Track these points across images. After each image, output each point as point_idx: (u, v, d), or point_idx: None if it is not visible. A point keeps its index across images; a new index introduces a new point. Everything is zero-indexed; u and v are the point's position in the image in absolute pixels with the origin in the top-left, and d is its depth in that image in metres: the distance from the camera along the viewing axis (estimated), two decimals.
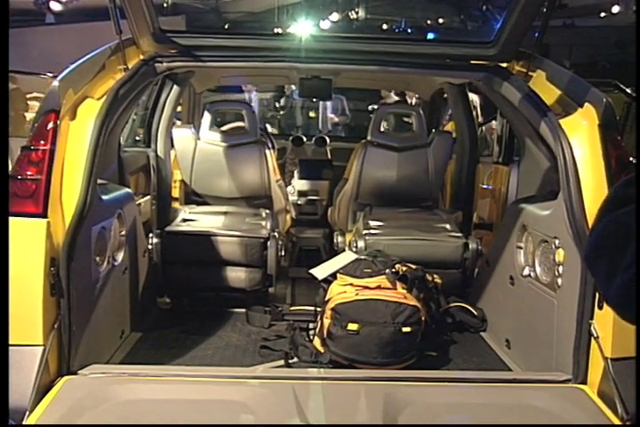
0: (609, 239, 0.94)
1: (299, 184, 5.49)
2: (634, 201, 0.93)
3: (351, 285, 3.17)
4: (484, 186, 4.47)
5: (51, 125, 2.61)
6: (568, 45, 14.42)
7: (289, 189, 5.32)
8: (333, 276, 3.34)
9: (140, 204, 3.87)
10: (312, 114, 8.64)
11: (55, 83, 2.67)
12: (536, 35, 3.28)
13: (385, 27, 14.77)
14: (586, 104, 2.85)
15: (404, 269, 3.27)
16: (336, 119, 8.53)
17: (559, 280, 2.81)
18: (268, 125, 8.14)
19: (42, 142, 2.59)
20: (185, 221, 4.08)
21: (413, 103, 7.33)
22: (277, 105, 8.67)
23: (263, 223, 4.10)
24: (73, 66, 2.84)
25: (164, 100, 4.45)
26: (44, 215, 2.51)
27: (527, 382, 2.69)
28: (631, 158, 2.76)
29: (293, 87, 7.98)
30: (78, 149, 2.67)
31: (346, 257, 3.46)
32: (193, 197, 4.61)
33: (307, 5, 12.53)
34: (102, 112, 2.76)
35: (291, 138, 5.83)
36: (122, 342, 3.24)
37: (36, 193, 2.52)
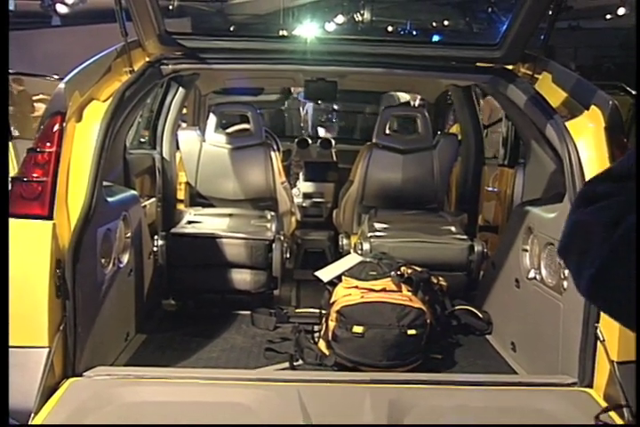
0: (575, 237, 1.01)
1: (304, 186, 5.49)
2: (598, 200, 0.99)
3: (356, 287, 3.17)
4: (490, 188, 4.46)
5: (57, 127, 2.62)
6: (573, 47, 14.42)
7: (294, 191, 5.32)
8: (338, 278, 3.33)
9: (145, 206, 3.87)
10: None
11: (61, 85, 2.67)
12: (542, 37, 3.28)
13: (390, 29, 14.78)
14: (592, 106, 2.84)
15: (410, 271, 3.26)
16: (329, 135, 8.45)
17: (565, 283, 2.80)
18: (323, 129, 8.11)
19: (48, 144, 2.60)
20: (190, 223, 4.08)
21: (416, 105, 7.31)
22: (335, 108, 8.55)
23: (268, 225, 4.10)
24: (79, 68, 2.85)
25: (169, 103, 4.45)
26: (50, 217, 2.51)
27: (533, 386, 2.68)
28: None
29: (300, 89, 7.97)
30: (84, 151, 2.68)
31: (351, 259, 3.46)
32: (198, 199, 4.62)
33: (312, 8, 12.55)
34: (108, 114, 2.77)
35: (296, 140, 5.83)
36: (127, 345, 3.24)
37: (42, 195, 2.53)
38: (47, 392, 2.39)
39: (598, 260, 0.93)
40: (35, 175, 2.56)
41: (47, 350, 2.45)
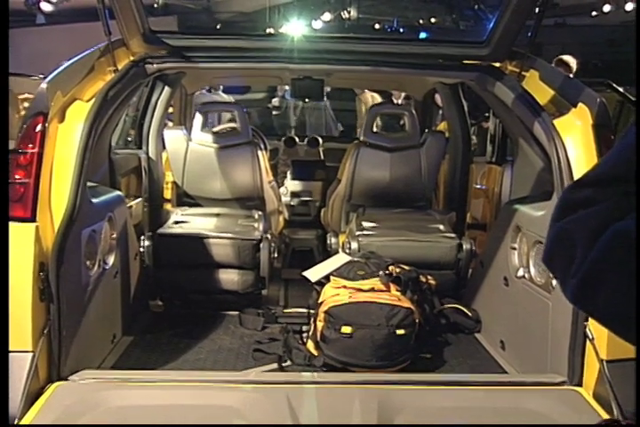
0: (559, 246, 1.02)
1: (291, 185, 5.46)
2: (580, 207, 0.99)
3: (344, 287, 3.15)
4: (478, 186, 4.45)
5: (39, 128, 2.58)
6: (560, 44, 14.44)
7: (282, 190, 5.29)
8: (326, 278, 3.31)
9: (131, 206, 3.83)
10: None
11: (43, 85, 2.63)
12: (529, 34, 3.27)
13: (377, 27, 14.76)
14: (579, 104, 2.83)
15: (398, 270, 3.25)
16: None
17: (554, 282, 2.79)
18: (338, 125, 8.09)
19: (30, 145, 2.56)
20: (177, 223, 4.05)
21: (399, 104, 7.28)
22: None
23: (256, 225, 4.08)
24: (61, 68, 2.81)
25: (155, 102, 4.40)
26: (33, 219, 2.48)
27: (522, 385, 2.68)
28: None
29: (287, 88, 7.94)
30: (67, 152, 2.64)
31: (339, 259, 3.43)
32: (185, 199, 4.58)
33: (298, 5, 12.50)
34: (91, 114, 2.73)
35: (283, 139, 5.80)
36: (113, 347, 3.21)
37: (25, 197, 2.49)
38: (31, 397, 2.36)
39: (583, 268, 0.93)
40: (17, 177, 2.52)
41: (31, 354, 2.41)
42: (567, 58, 6.48)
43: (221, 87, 7.75)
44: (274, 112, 8.67)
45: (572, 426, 2.36)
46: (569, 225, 0.99)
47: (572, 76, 6.25)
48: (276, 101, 8.67)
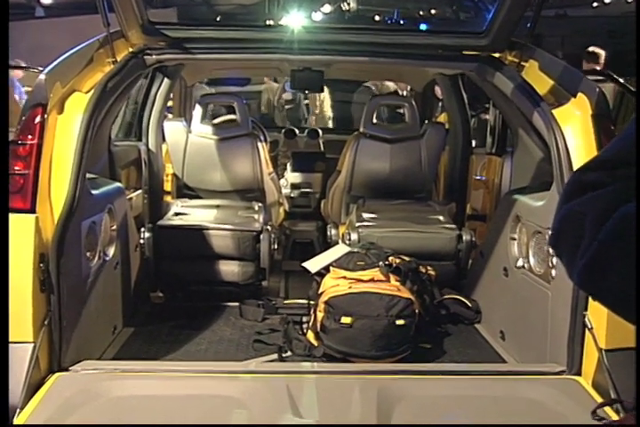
0: (566, 228, 1.01)
1: (291, 177, 5.46)
2: (588, 189, 0.98)
3: (344, 278, 3.16)
4: (478, 177, 4.45)
5: (38, 119, 2.58)
6: (560, 36, 14.39)
7: (282, 181, 5.29)
8: (326, 269, 3.32)
9: (131, 198, 3.83)
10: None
11: (42, 76, 2.63)
12: (528, 25, 3.26)
13: (377, 18, 14.71)
14: (579, 94, 2.83)
15: (398, 261, 3.25)
16: None
17: (553, 272, 2.79)
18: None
19: (29, 137, 2.56)
20: (177, 214, 4.05)
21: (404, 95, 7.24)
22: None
23: (256, 216, 4.08)
24: (60, 59, 2.80)
25: (154, 94, 4.40)
26: (33, 211, 2.48)
27: (522, 374, 2.69)
28: None
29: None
30: (66, 144, 2.64)
31: (339, 250, 3.44)
32: (185, 191, 4.58)
33: None
34: (90, 106, 2.73)
35: (283, 130, 5.80)
36: (114, 338, 3.22)
37: (24, 188, 2.49)
38: (33, 388, 2.37)
39: (590, 250, 0.92)
40: (16, 168, 2.52)
41: (32, 345, 2.42)
42: (596, 49, 6.46)
43: (205, 80, 7.68)
44: (286, 106, 8.58)
45: (574, 425, 2.36)
46: (577, 207, 0.98)
47: (600, 67, 6.25)
48: (288, 95, 8.57)
